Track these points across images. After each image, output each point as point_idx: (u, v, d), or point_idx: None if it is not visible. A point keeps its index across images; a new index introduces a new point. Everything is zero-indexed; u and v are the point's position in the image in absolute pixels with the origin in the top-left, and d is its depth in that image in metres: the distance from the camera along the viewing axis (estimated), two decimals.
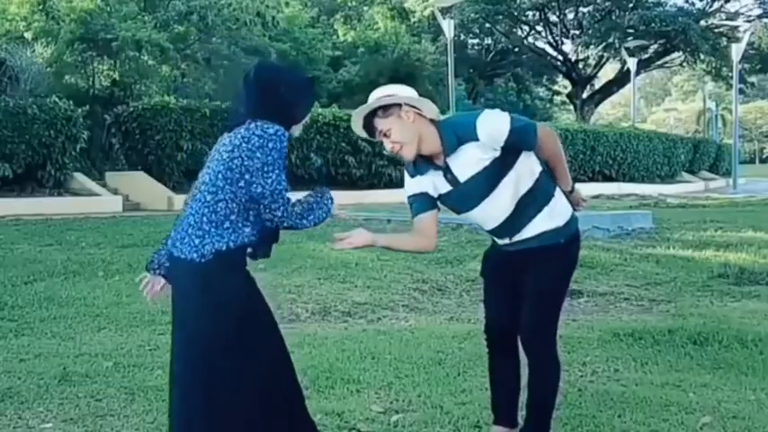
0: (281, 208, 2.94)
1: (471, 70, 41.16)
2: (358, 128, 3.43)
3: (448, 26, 27.49)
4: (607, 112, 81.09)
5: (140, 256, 9.41)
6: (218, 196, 2.93)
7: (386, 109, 3.34)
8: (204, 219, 2.95)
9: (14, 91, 19.03)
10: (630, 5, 39.95)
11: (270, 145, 2.92)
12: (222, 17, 24.15)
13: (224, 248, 2.93)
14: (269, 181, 2.91)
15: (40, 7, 22.93)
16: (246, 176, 2.91)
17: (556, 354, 3.55)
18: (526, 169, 3.40)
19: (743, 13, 42.80)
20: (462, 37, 40.81)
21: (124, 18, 22.00)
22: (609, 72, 48.05)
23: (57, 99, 17.49)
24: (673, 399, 4.44)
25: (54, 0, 22.84)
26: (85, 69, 22.70)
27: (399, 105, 3.33)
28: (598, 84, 46.56)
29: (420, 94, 3.49)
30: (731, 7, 48.90)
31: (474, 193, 3.39)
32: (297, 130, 3.10)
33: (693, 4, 42.35)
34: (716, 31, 41.45)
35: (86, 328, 6.21)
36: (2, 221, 13.26)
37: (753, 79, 48.50)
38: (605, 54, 41.76)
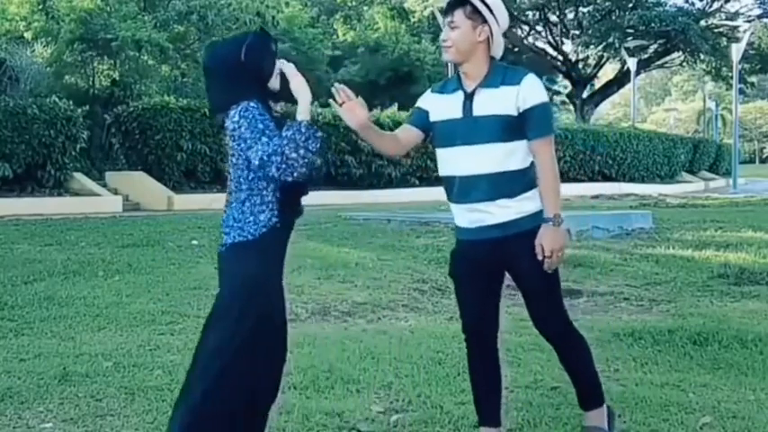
0: (276, 168, 2.95)
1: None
2: None
3: None
4: (607, 112, 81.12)
5: (140, 256, 9.42)
6: (244, 193, 3.09)
7: (474, 10, 3.39)
8: (234, 214, 3.11)
9: (14, 91, 19.05)
10: (630, 5, 39.91)
11: (241, 130, 3.01)
12: (222, 17, 24.15)
13: (244, 240, 3.09)
14: (256, 163, 2.98)
15: (40, 7, 22.95)
16: (246, 167, 3.05)
17: (574, 328, 3.59)
18: (522, 151, 3.38)
19: (743, 13, 42.78)
20: None
21: (124, 18, 21.99)
22: (609, 72, 48.03)
23: (57, 99, 17.51)
24: (673, 399, 4.44)
25: (54, 0, 22.84)
26: (85, 69, 22.71)
27: (485, 20, 3.39)
28: (598, 84, 46.55)
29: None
30: (731, 7, 48.84)
31: (476, 132, 3.38)
32: (276, 83, 3.16)
33: (693, 4, 42.33)
34: (716, 31, 41.42)
35: (86, 328, 6.21)
36: (2, 221, 13.26)
37: (753, 79, 48.44)
38: (605, 54, 41.73)
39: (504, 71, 3.42)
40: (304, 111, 3.06)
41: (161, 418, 4.12)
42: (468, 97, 3.41)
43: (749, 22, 41.04)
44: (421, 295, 7.65)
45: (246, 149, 2.99)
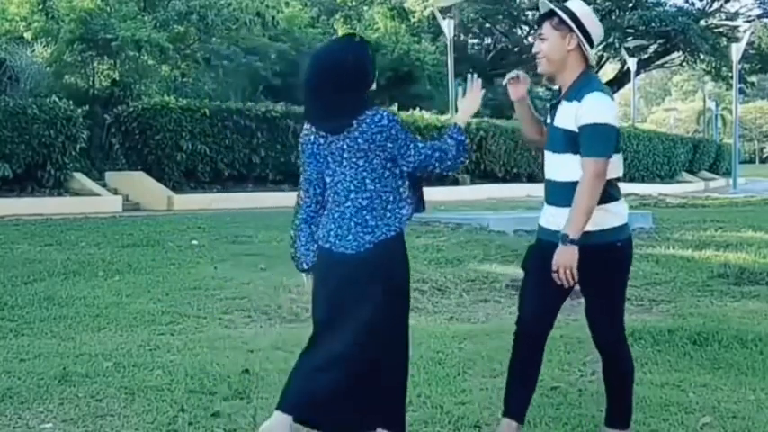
0: (433, 167, 3.31)
1: (471, 70, 41.02)
2: (543, 6, 3.57)
3: (448, 26, 27.48)
4: None
5: (140, 256, 9.43)
6: (372, 195, 3.27)
7: (561, 21, 3.46)
8: (367, 216, 3.27)
9: (14, 91, 19.03)
10: (630, 5, 39.91)
11: (393, 132, 3.22)
12: (222, 17, 24.12)
13: (393, 234, 3.28)
14: (411, 160, 3.27)
15: (40, 7, 22.92)
16: (392, 168, 3.27)
17: (626, 346, 3.68)
18: (579, 166, 3.41)
19: (743, 13, 42.80)
20: (462, 37, 40.77)
21: (124, 18, 21.97)
22: (609, 72, 48.03)
23: (57, 99, 17.49)
24: (673, 399, 4.44)
25: (54, 0, 22.83)
26: (85, 69, 22.68)
27: (571, 29, 3.44)
28: None
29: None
30: (731, 7, 48.88)
31: (554, 140, 3.53)
32: (374, 87, 3.35)
33: (693, 4, 42.34)
34: (716, 31, 41.43)
35: (86, 328, 6.21)
36: (2, 221, 13.26)
37: (753, 79, 48.45)
38: (605, 54, 41.72)
39: (587, 84, 3.47)
40: (466, 119, 3.52)
41: (161, 418, 4.12)
42: (554, 106, 3.54)
43: (749, 22, 41.04)
44: (421, 295, 7.65)
45: (398, 148, 3.24)
